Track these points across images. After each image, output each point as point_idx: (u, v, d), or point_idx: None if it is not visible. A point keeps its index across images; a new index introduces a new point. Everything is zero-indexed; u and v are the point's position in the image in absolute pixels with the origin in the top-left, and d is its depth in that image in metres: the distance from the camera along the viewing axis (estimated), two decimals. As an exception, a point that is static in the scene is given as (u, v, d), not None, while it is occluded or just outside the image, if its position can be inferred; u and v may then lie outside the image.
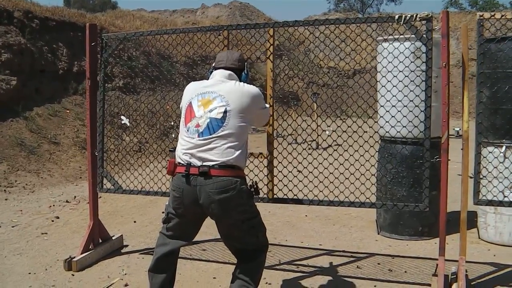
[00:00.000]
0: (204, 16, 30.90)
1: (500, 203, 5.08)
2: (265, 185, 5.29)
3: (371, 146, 5.22)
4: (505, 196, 5.21)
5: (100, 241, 6.00)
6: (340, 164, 5.08)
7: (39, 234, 6.76)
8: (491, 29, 5.27)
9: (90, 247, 5.81)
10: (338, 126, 5.30)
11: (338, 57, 5.84)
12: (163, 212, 7.58)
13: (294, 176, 5.25)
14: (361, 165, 5.06)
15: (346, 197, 5.11)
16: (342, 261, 5.66)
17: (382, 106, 5.58)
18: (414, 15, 4.80)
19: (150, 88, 14.18)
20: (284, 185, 5.27)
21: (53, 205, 8.40)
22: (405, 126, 5.15)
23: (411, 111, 5.05)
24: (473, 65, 5.14)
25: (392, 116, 5.19)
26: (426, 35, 4.74)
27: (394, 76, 5.17)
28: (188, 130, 3.91)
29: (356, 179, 5.04)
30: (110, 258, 5.85)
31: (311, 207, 6.95)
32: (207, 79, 4.19)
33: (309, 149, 5.70)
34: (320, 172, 5.16)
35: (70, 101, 13.61)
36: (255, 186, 4.10)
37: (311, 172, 5.23)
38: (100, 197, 6.86)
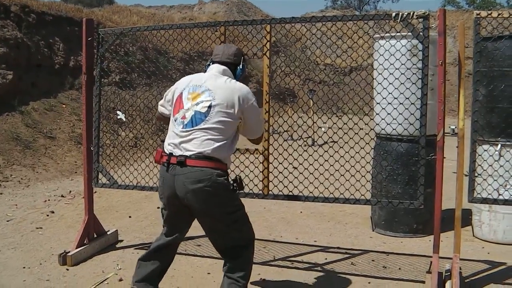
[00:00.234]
0: (201, 12, 30.84)
1: (495, 201, 5.09)
2: (260, 181, 5.30)
3: (366, 143, 5.23)
4: (499, 194, 5.22)
5: (95, 236, 5.99)
6: (336, 161, 5.09)
7: (34, 229, 6.75)
8: (488, 28, 5.29)
9: (85, 242, 5.80)
10: (334, 123, 5.32)
11: (334, 54, 5.84)
12: (158, 208, 7.63)
13: (290, 173, 5.26)
14: (357, 162, 5.07)
15: (341, 193, 5.12)
16: (336, 258, 5.67)
17: (378, 103, 5.60)
18: (411, 13, 4.80)
19: (147, 84, 14.16)
20: (280, 182, 5.28)
21: (48, 200, 8.39)
22: (400, 124, 5.15)
23: (407, 109, 5.06)
24: (470, 63, 5.15)
25: (388, 114, 5.20)
26: (423, 33, 4.75)
27: (391, 74, 5.17)
28: (175, 121, 3.98)
29: (352, 176, 5.05)
30: (105, 253, 5.84)
31: (306, 204, 6.96)
32: (205, 71, 4.20)
33: (305, 145, 5.69)
34: (315, 169, 5.17)
35: (66, 96, 13.59)
36: (238, 181, 4.05)
37: (307, 169, 5.24)
38: (95, 192, 6.86)
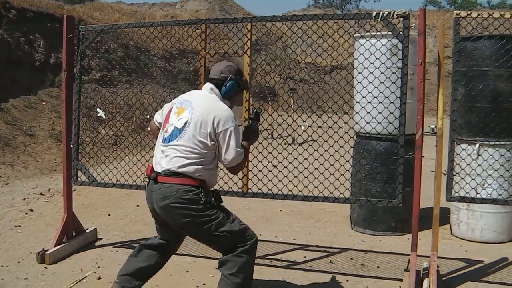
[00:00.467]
0: (183, 9, 30.75)
1: (472, 200, 5.13)
2: (239, 179, 5.30)
3: (346, 142, 5.25)
4: (477, 193, 5.27)
5: (74, 234, 5.96)
6: (315, 160, 5.11)
7: (13, 227, 6.70)
8: (467, 28, 5.33)
9: (64, 240, 5.76)
10: (313, 122, 5.32)
11: (315, 52, 5.85)
12: (138, 206, 7.61)
13: (269, 171, 5.27)
14: (336, 160, 5.09)
15: (320, 192, 5.14)
16: (315, 256, 5.69)
17: (358, 102, 5.62)
18: (392, 12, 4.83)
19: (127, 81, 14.10)
20: (259, 180, 5.28)
21: (27, 198, 8.32)
22: (380, 123, 5.17)
23: (386, 108, 5.09)
24: (450, 63, 5.18)
25: (368, 113, 5.22)
26: (403, 32, 4.77)
27: (370, 73, 5.20)
28: (161, 134, 4.00)
29: (331, 174, 5.06)
30: (83, 251, 5.81)
31: (286, 202, 6.97)
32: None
33: (285, 144, 5.70)
34: (295, 167, 5.18)
35: (47, 93, 13.50)
36: (214, 194, 3.92)
37: (286, 167, 5.25)
38: (74, 190, 6.81)
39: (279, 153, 5.32)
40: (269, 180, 5.29)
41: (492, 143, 5.72)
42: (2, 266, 5.35)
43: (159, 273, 4.32)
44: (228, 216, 3.92)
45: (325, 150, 5.08)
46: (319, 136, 5.14)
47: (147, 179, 3.97)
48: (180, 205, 3.73)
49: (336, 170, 5.05)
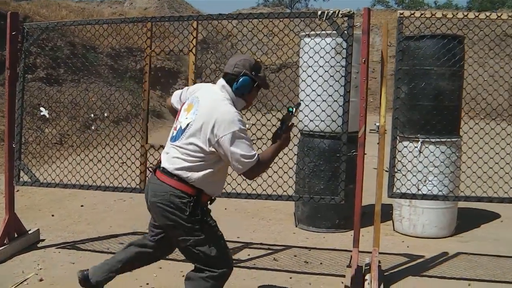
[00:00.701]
0: (132, 7, 30.42)
1: (414, 196, 5.24)
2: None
3: (290, 140, 5.26)
4: (418, 190, 5.38)
5: (16, 235, 5.84)
6: (259, 158, 5.11)
7: (-48, 228, 6.52)
8: (411, 27, 5.41)
9: (5, 241, 5.65)
10: (257, 120, 5.33)
11: (260, 51, 5.86)
12: (82, 206, 7.51)
13: (213, 169, 5.25)
14: (279, 158, 5.10)
15: (263, 190, 5.16)
16: (259, 254, 5.71)
17: (302, 100, 5.66)
18: (336, 12, 4.87)
19: (74, 80, 13.89)
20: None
21: (-32, 198, 8.11)
22: (323, 121, 5.22)
23: (330, 106, 5.14)
24: (394, 62, 5.27)
25: (311, 111, 5.27)
26: (347, 31, 4.82)
27: (315, 71, 5.25)
28: (171, 131, 3.85)
29: (274, 172, 5.07)
30: (25, 253, 5.69)
31: (230, 201, 6.93)
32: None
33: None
34: (239, 165, 5.17)
35: (-11, 92, 13.19)
36: (204, 208, 3.81)
37: (230, 165, 5.24)
38: (17, 190, 6.69)
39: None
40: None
41: (433, 140, 5.84)
42: None
43: (125, 276, 4.26)
44: (211, 239, 3.74)
45: (269, 148, 5.08)
46: (263, 135, 5.15)
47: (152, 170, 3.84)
48: (166, 207, 3.59)
49: (280, 168, 5.06)
